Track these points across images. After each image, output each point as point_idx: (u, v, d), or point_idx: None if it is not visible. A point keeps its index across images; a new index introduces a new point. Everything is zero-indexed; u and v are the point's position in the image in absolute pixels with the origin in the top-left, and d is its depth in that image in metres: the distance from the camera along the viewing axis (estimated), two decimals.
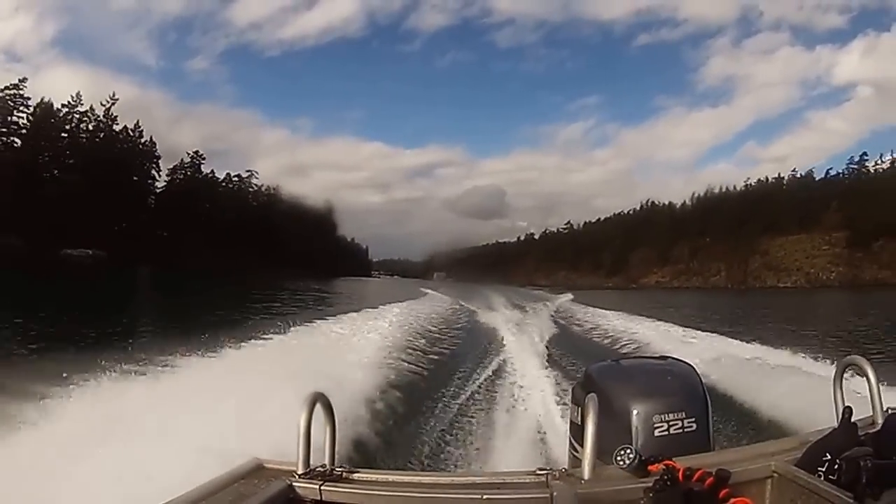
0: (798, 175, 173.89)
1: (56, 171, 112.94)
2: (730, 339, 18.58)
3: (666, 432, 3.57)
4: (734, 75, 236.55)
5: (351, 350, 13.77)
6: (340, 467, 3.12)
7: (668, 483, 2.41)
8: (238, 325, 20.25)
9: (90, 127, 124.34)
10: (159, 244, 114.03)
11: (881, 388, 3.29)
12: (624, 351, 18.49)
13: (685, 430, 3.61)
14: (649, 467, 2.69)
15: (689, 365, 4.13)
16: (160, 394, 8.40)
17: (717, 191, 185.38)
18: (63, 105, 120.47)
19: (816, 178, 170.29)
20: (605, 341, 21.51)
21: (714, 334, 20.38)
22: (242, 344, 13.75)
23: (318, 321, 19.27)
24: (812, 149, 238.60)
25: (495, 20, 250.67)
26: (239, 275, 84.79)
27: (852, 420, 2.81)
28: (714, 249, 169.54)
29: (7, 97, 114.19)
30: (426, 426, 10.39)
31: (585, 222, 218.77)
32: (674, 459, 2.66)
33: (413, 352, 15.35)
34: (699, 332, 21.34)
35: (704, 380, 4.02)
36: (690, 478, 2.42)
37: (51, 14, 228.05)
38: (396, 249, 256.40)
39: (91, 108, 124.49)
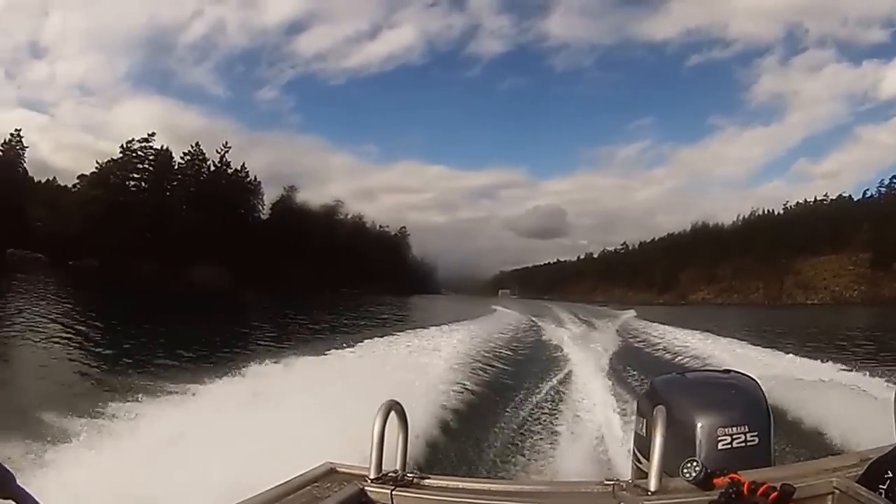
0: (844, 195, 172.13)
1: (183, 207, 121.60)
2: (786, 354, 17.97)
3: (729, 446, 3.45)
4: (784, 92, 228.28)
5: (427, 362, 13.82)
6: (411, 473, 3.08)
7: (734, 497, 2.31)
8: (328, 338, 20.60)
9: (209, 167, 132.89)
10: (266, 267, 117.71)
11: None
12: (687, 365, 17.95)
13: (748, 443, 3.48)
14: (714, 480, 2.60)
15: (753, 379, 3.97)
16: (252, 398, 8.53)
17: (760, 212, 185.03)
18: (184, 153, 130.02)
19: (856, 199, 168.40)
20: (668, 356, 20.93)
21: (772, 350, 19.81)
22: (327, 354, 13.93)
23: (397, 334, 19.44)
24: (862, 163, 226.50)
25: (551, 45, 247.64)
26: (329, 293, 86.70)
27: None
28: (754, 269, 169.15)
29: (136, 149, 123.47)
30: (495, 434, 10.26)
31: (641, 242, 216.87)
32: (738, 473, 2.54)
33: (484, 364, 15.26)
34: (757, 347, 20.79)
35: (766, 393, 3.86)
36: (755, 492, 2.31)
37: (121, 51, 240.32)
38: (462, 268, 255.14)
39: (200, 153, 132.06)
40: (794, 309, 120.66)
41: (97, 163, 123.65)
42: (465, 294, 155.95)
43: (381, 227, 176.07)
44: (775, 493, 2.26)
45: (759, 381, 3.94)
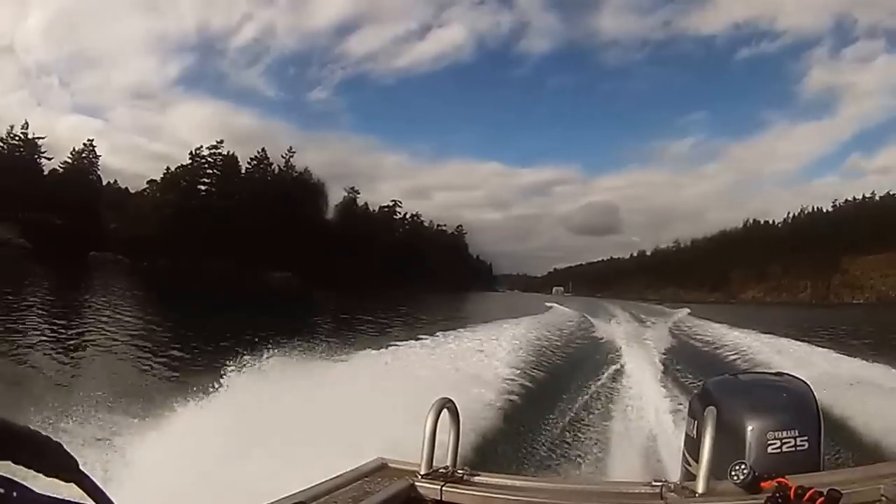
0: (891, 193, 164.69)
1: (251, 209, 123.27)
2: (837, 355, 17.40)
3: (779, 450, 3.41)
4: (835, 85, 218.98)
5: (482, 359, 13.79)
6: (462, 470, 3.09)
7: (780, 501, 2.27)
8: (386, 335, 20.72)
9: (275, 170, 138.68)
10: (330, 266, 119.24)
11: None
12: (740, 366, 17.53)
13: (797, 448, 3.44)
14: (761, 484, 2.56)
15: (804, 382, 3.92)
16: (311, 391, 8.62)
17: (809, 210, 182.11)
18: (251, 158, 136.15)
19: None
20: (722, 355, 20.27)
21: (825, 350, 19.26)
22: (384, 351, 14.00)
23: (454, 331, 19.42)
24: None
25: (600, 41, 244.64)
26: (390, 291, 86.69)
27: None
28: (802, 267, 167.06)
29: (205, 155, 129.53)
30: (546, 432, 10.20)
31: (692, 240, 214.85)
32: (786, 478, 2.50)
33: (537, 361, 15.09)
34: (808, 346, 20.21)
35: (817, 397, 3.80)
36: (802, 497, 2.27)
37: (174, 56, 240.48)
38: (515, 265, 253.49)
39: (265, 157, 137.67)
40: (841, 308, 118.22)
41: (167, 168, 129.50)
42: (519, 291, 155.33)
43: (438, 225, 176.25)
44: (822, 499, 2.21)
45: (810, 385, 3.89)
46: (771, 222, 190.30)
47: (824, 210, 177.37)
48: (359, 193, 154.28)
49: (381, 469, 3.15)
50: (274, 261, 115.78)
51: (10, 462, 0.81)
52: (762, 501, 2.34)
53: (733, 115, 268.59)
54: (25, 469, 0.83)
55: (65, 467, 0.89)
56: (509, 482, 3.03)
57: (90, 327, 24.50)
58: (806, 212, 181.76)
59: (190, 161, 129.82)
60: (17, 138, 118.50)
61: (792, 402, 3.68)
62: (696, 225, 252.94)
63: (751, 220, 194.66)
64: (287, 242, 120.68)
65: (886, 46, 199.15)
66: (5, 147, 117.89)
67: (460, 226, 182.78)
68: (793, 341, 21.75)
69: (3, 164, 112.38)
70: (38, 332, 21.58)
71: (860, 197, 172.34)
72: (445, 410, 3.03)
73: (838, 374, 13.41)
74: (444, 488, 2.91)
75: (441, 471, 3.04)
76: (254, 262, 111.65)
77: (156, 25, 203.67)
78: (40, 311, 27.89)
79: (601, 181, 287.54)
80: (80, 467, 0.91)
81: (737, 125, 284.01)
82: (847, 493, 2.49)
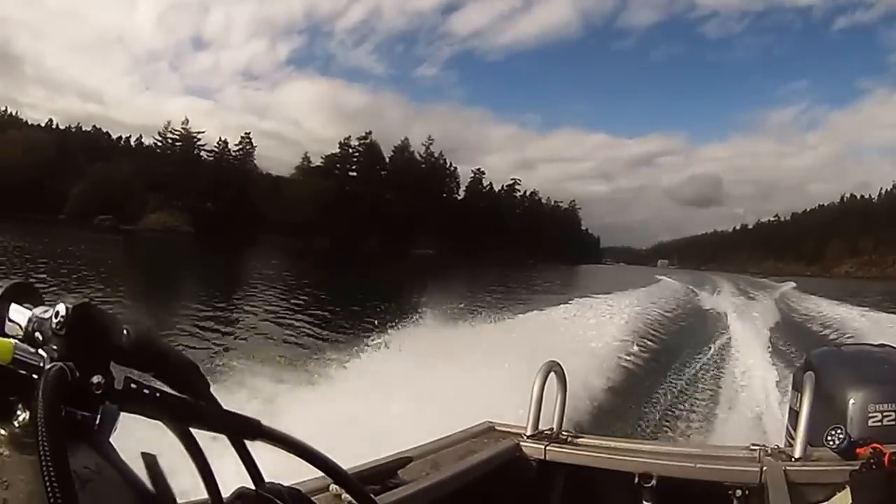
0: None
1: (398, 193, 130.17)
2: None
3: (879, 423, 3.23)
4: None
5: (594, 328, 13.64)
6: (566, 432, 3.09)
7: (874, 466, 2.21)
8: (509, 305, 20.91)
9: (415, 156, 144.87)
10: (466, 242, 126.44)
11: None
12: (845, 340, 16.75)
13: None
14: (857, 450, 2.51)
15: None
16: (433, 356, 8.86)
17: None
18: (394, 148, 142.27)
19: None
20: (827, 329, 19.28)
21: None
22: (506, 319, 14.11)
23: (569, 303, 19.40)
24: None
25: (701, 13, 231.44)
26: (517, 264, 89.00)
27: None
28: (893, 243, 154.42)
29: (354, 145, 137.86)
30: (654, 400, 10.11)
31: (793, 213, 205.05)
32: (882, 445, 2.41)
33: (648, 331, 14.92)
34: None
35: None
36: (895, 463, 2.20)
37: (282, 37, 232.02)
38: (619, 237, 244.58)
39: (408, 145, 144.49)
40: None
41: (322, 157, 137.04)
42: (624, 264, 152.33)
43: (555, 202, 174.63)
44: None
45: None
46: (868, 196, 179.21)
47: None
48: (484, 174, 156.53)
49: (488, 431, 3.16)
50: (420, 239, 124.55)
51: (152, 375, 0.87)
52: (857, 467, 2.28)
53: (833, 83, 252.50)
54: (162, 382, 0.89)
55: (197, 387, 0.94)
56: (612, 444, 3.05)
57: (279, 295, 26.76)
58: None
59: (340, 150, 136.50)
60: (175, 132, 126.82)
61: (894, 373, 3.49)
62: (798, 196, 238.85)
63: (848, 195, 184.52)
64: (430, 222, 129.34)
65: None
66: (166, 141, 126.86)
67: (573, 201, 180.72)
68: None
69: (166, 157, 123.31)
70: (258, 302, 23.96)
71: None
72: (553, 374, 3.03)
73: None
74: (547, 448, 2.92)
75: (546, 432, 3.04)
76: (400, 241, 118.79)
77: (264, 9, 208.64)
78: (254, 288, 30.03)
79: (705, 151, 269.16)
80: (211, 390, 0.96)
81: (837, 93, 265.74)
82: None
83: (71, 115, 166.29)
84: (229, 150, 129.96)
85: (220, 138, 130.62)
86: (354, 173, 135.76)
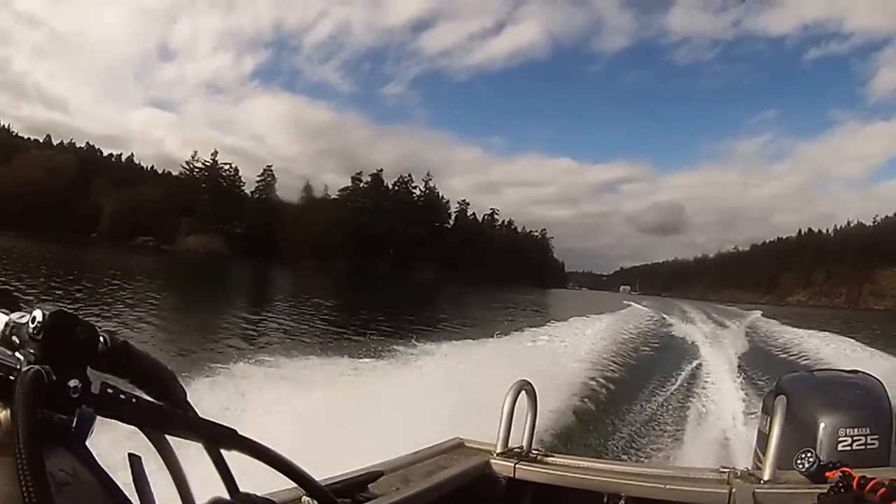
0: None
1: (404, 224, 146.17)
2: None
3: (849, 447, 3.35)
4: None
5: (566, 351, 13.87)
6: (536, 450, 3.10)
7: (843, 489, 2.21)
8: (481, 326, 21.17)
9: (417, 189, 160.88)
10: (457, 267, 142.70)
11: None
12: (813, 365, 16.97)
13: (868, 446, 3.37)
14: (826, 473, 2.48)
15: (878, 380, 3.78)
16: (401, 373, 8.87)
17: (854, 223, 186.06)
18: (395, 181, 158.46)
19: None
20: (796, 357, 19.48)
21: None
22: (471, 341, 14.18)
23: (544, 326, 19.61)
24: None
25: (672, 40, 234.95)
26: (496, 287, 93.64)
27: None
28: (842, 275, 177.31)
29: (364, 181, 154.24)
30: (624, 423, 10.18)
31: (752, 245, 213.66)
32: (850, 468, 2.37)
33: (618, 355, 14.94)
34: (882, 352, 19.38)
35: (890, 395, 3.69)
36: (864, 486, 2.18)
37: (249, 50, 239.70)
38: (582, 262, 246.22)
39: (410, 179, 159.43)
40: (866, 312, 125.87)
41: (339, 190, 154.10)
42: (587, 289, 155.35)
43: (530, 230, 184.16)
44: (884, 490, 2.12)
45: (883, 383, 3.76)
46: (826, 231, 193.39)
47: (867, 224, 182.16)
48: (468, 204, 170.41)
49: (458, 447, 3.17)
50: (420, 264, 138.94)
51: (128, 380, 0.90)
52: (825, 490, 2.29)
53: (802, 114, 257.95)
54: (138, 389, 0.91)
55: (173, 394, 0.96)
56: (582, 463, 3.05)
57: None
58: (852, 224, 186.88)
59: (352, 184, 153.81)
60: (202, 161, 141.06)
61: (864, 399, 3.58)
62: (760, 227, 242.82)
63: (806, 229, 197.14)
64: (430, 248, 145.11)
65: None
66: (192, 169, 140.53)
67: (545, 229, 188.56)
68: (857, 343, 21.06)
69: (195, 184, 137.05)
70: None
71: None
72: (524, 392, 3.03)
73: None
74: (517, 465, 2.93)
75: (516, 450, 3.05)
76: (405, 266, 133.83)
77: (231, 22, 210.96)
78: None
79: (670, 179, 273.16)
80: (188, 398, 0.99)
81: (806, 124, 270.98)
82: None
83: (36, 123, 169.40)
84: (267, 180, 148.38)
85: (261, 171, 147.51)
86: (368, 205, 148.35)
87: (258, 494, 1.10)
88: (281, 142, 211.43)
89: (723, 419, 10.44)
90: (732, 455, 7.97)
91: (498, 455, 3.00)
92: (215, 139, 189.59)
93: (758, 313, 46.98)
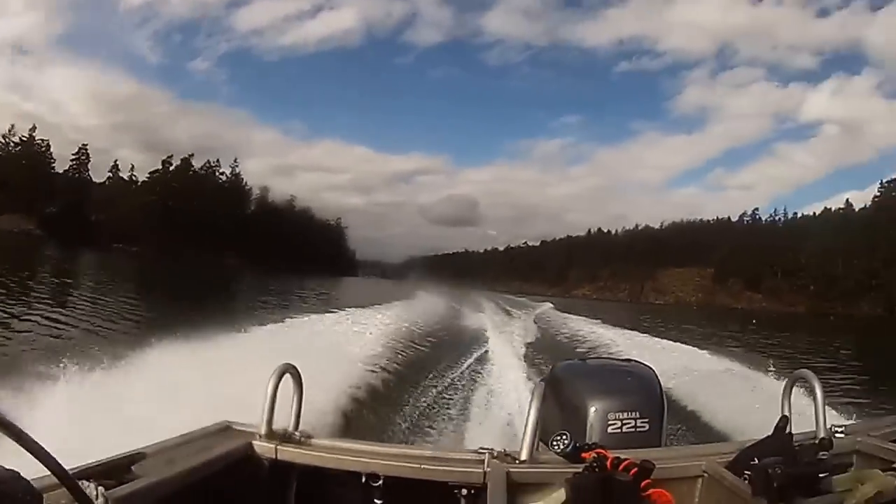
0: (752, 210, 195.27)
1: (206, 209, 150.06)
2: (692, 349, 18.23)
3: (619, 430, 3.47)
4: (709, 105, 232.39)
5: (352, 339, 13.75)
6: (299, 432, 3.10)
7: (597, 469, 2.29)
8: (263, 316, 20.54)
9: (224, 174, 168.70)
10: (259, 254, 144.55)
11: (826, 402, 3.14)
12: (595, 354, 18.01)
13: (638, 429, 3.51)
14: (582, 454, 2.57)
15: (650, 368, 3.99)
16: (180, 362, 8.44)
17: (643, 226, 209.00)
18: (202, 166, 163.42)
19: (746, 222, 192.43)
20: (580, 345, 20.92)
21: (679, 344, 20.06)
22: (248, 330, 13.67)
23: (329, 313, 19.39)
24: (778, 179, 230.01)
25: (485, 40, 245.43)
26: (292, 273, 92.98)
27: (790, 430, 2.72)
28: (626, 273, 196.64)
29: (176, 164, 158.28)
30: (404, 407, 10.36)
31: (542, 241, 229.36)
32: (613, 452, 2.48)
33: (405, 344, 15.21)
34: (666, 341, 21.05)
35: (665, 384, 3.90)
36: (617, 466, 2.30)
37: (61, 12, 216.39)
38: (375, 251, 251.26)
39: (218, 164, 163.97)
40: (648, 306, 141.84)
41: (148, 174, 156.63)
42: (378, 277, 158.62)
43: (326, 220, 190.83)
44: (635, 469, 2.25)
45: (656, 371, 3.96)
46: (614, 232, 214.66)
47: (655, 227, 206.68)
48: (269, 190, 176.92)
49: (224, 430, 3.17)
50: (225, 249, 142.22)
51: None
52: (580, 469, 2.35)
53: (606, 122, 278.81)
54: None
55: None
56: (344, 445, 3.11)
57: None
58: (639, 227, 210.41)
59: (161, 167, 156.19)
60: (18, 137, 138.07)
61: (635, 385, 3.75)
62: (553, 224, 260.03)
63: (595, 229, 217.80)
64: (234, 235, 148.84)
65: (765, 75, 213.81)
66: (7, 144, 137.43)
67: (339, 218, 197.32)
68: (644, 335, 22.72)
69: (12, 162, 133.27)
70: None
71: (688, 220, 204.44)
72: (288, 375, 3.05)
73: (688, 365, 13.94)
74: (279, 447, 2.97)
75: (279, 432, 3.06)
76: (212, 250, 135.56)
77: None
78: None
79: (468, 174, 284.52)
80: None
81: (608, 132, 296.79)
82: (669, 467, 2.66)
83: None
84: (81, 159, 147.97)
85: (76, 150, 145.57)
86: (177, 189, 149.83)
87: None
88: (80, 111, 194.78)
89: (507, 404, 10.79)
90: (511, 439, 8.15)
91: (261, 437, 3.02)
92: (15, 103, 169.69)
93: (549, 305, 49.47)
